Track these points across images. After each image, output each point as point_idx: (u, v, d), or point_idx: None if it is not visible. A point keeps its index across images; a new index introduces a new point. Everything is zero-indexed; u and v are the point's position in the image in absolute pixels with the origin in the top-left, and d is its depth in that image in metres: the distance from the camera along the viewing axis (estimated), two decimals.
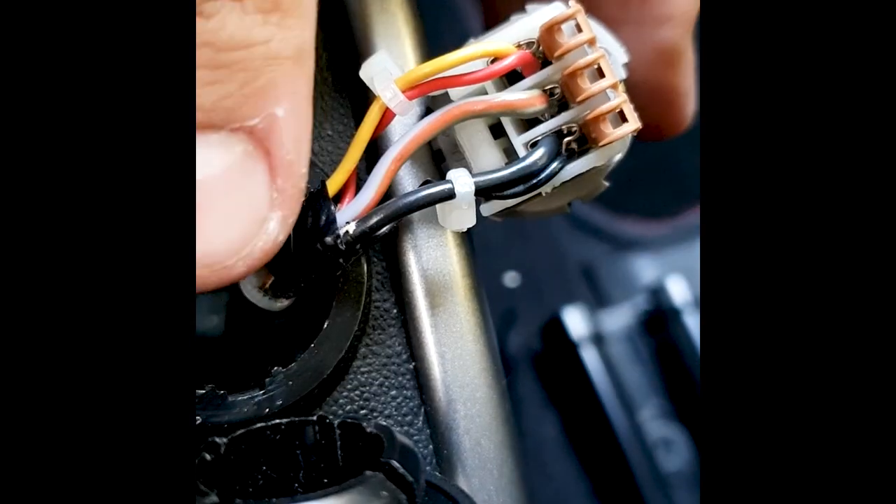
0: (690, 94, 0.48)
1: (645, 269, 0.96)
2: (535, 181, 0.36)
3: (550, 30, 0.36)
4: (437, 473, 0.40)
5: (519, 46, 0.37)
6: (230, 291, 0.39)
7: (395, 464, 0.33)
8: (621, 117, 0.36)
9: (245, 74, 0.31)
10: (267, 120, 0.32)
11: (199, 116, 0.30)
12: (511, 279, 0.93)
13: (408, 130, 0.37)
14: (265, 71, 0.31)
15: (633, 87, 0.39)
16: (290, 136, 0.32)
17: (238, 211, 0.32)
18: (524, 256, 0.93)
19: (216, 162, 0.31)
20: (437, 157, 0.41)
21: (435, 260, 0.40)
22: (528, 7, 0.38)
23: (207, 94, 0.30)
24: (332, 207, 0.36)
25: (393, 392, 0.41)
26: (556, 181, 0.37)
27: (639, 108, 0.37)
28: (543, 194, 0.37)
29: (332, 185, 0.37)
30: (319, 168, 0.40)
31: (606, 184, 0.40)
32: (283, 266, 0.37)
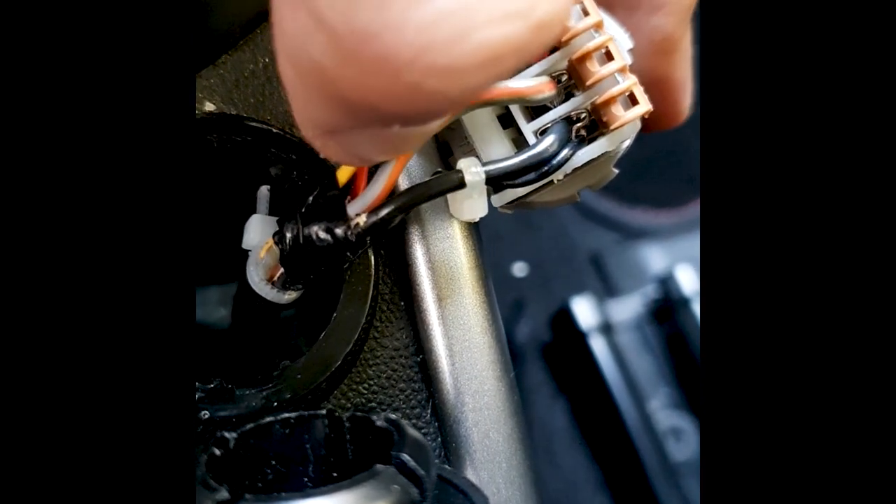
0: (687, 86, 0.47)
1: (654, 258, 0.96)
2: (546, 168, 0.36)
3: None
4: (447, 466, 0.40)
5: None
6: (238, 283, 0.39)
7: (406, 457, 0.32)
8: (631, 100, 0.35)
9: None
10: None
11: None
12: (519, 269, 0.93)
13: None
14: None
15: None
16: None
17: None
18: (532, 246, 0.93)
19: None
20: (444, 150, 0.40)
21: (442, 252, 0.40)
22: None
23: None
24: (343, 199, 0.36)
25: (401, 385, 0.40)
26: (568, 167, 0.36)
27: None
28: (555, 182, 0.37)
29: (342, 177, 0.36)
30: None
31: (616, 171, 0.39)
32: (291, 258, 0.36)
